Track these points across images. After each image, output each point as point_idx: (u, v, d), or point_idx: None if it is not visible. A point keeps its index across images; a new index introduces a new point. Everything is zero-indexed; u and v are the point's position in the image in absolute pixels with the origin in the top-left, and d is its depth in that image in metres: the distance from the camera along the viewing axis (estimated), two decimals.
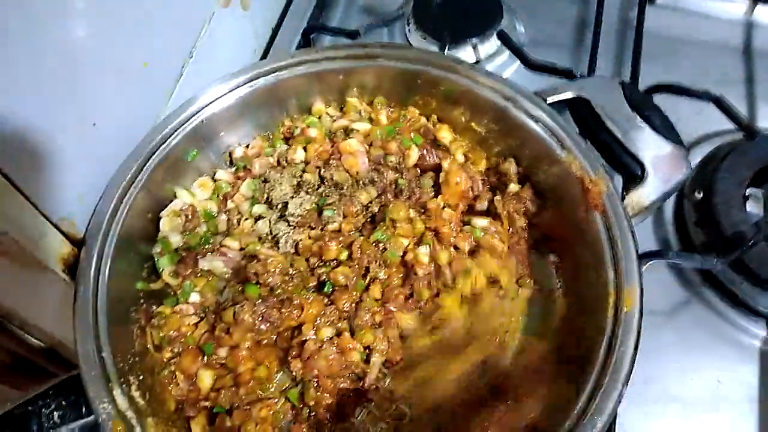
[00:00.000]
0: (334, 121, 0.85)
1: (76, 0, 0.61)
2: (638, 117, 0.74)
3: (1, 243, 0.60)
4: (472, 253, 0.77)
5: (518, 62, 0.99)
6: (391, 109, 0.86)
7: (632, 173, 0.72)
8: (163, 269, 0.75)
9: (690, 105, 0.90)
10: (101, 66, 0.67)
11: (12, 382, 0.83)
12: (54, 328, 0.81)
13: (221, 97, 0.79)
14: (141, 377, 0.66)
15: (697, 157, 0.91)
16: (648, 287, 0.65)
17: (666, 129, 0.74)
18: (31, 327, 0.79)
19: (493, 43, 1.03)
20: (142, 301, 0.73)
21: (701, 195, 0.85)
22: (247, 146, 0.85)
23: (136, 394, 0.64)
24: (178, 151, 0.77)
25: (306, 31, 1.04)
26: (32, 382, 0.86)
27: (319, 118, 0.86)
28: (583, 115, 0.77)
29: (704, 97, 0.88)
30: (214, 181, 0.83)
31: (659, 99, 0.90)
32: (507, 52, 1.01)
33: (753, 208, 0.84)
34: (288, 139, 0.86)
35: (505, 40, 0.99)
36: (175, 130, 0.76)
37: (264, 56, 1.00)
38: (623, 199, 0.70)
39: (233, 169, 0.84)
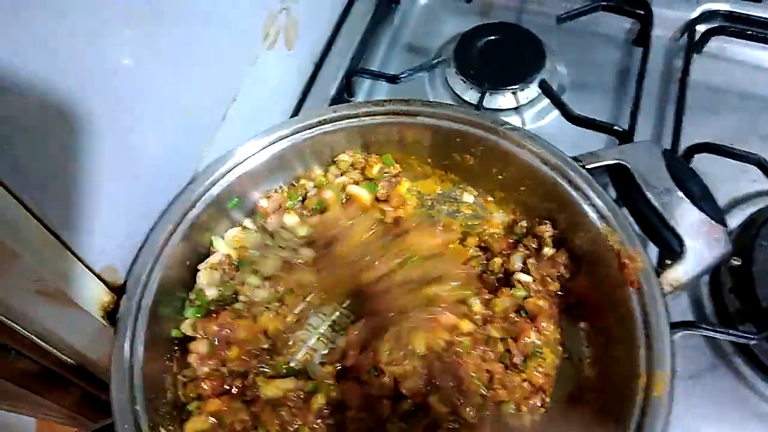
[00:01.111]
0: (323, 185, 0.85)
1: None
2: (678, 188, 0.73)
3: (47, 287, 0.62)
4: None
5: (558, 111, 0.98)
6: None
7: (670, 247, 0.71)
8: (188, 318, 0.75)
9: (733, 162, 0.88)
10: (150, 116, 0.68)
11: (38, 390, 0.86)
12: (86, 350, 0.83)
13: (260, 150, 0.80)
14: (171, 427, 0.68)
15: (738, 218, 0.89)
16: (676, 350, 0.64)
17: (706, 203, 0.72)
18: (65, 347, 0.81)
19: (533, 89, 1.02)
20: (176, 348, 0.75)
21: (738, 261, 0.83)
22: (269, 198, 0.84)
23: None
24: (219, 201, 0.78)
25: (347, 75, 1.04)
26: (56, 391, 0.89)
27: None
28: (622, 181, 0.76)
29: (747, 159, 0.87)
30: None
31: (702, 156, 0.89)
32: (547, 100, 1.01)
33: None
34: (304, 199, 0.85)
35: (546, 90, 0.99)
36: (216, 182, 0.77)
37: (303, 96, 1.00)
38: (658, 274, 0.68)
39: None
